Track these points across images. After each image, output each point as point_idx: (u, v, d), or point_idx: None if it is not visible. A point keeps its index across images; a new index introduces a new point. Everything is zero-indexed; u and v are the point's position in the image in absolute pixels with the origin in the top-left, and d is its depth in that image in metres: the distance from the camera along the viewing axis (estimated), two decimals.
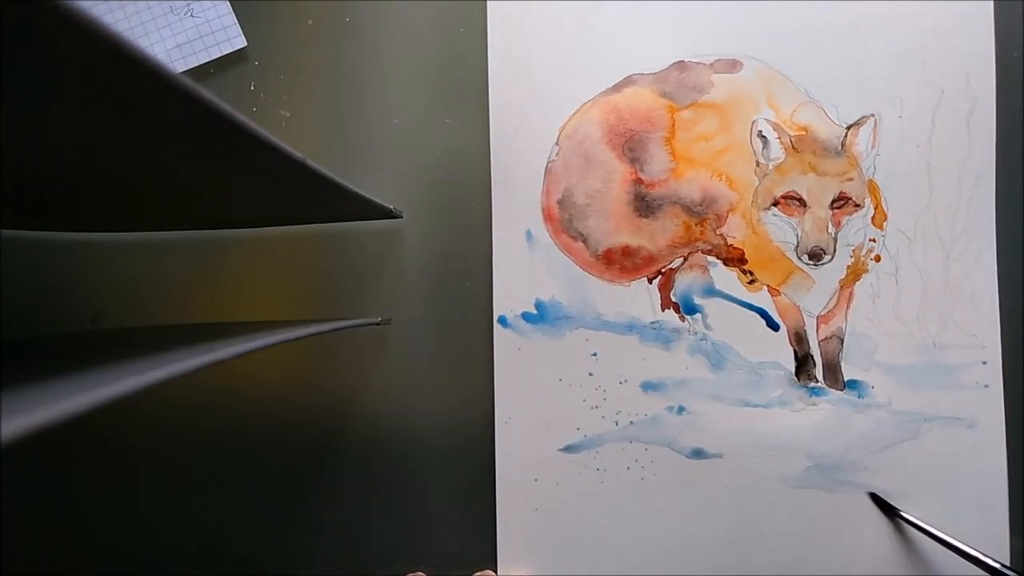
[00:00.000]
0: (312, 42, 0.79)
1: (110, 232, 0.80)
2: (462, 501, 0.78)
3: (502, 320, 0.77)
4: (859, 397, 0.75)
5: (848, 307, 0.75)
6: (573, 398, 0.77)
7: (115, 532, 0.80)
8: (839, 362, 0.75)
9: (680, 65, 0.76)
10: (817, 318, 0.76)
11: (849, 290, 0.75)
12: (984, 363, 0.74)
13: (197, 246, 0.80)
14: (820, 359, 0.75)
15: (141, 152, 0.45)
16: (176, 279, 0.80)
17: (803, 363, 0.76)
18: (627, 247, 0.76)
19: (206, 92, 0.34)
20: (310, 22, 0.79)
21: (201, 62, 0.78)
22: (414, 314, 0.79)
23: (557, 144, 0.77)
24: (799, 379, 0.75)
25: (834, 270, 0.75)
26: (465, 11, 0.79)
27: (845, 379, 0.75)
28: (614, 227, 0.76)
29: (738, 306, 0.76)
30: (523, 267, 0.77)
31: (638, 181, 0.76)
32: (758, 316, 0.76)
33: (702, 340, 0.76)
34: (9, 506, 0.80)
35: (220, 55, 0.78)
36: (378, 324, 0.75)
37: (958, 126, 0.74)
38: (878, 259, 0.75)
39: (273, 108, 0.79)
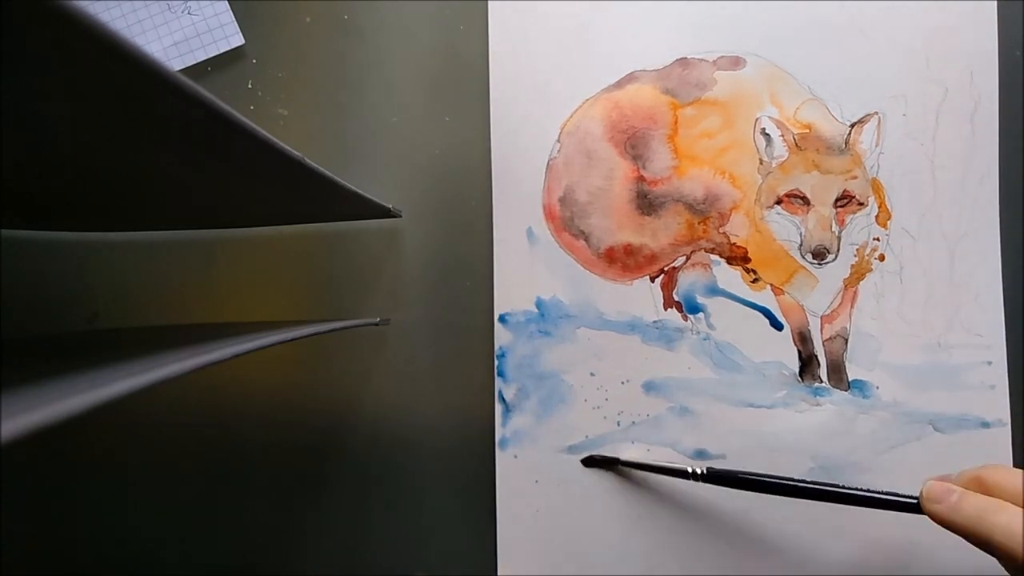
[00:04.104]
0: (310, 40, 0.79)
1: (107, 232, 0.80)
2: (462, 502, 0.78)
3: (503, 319, 0.77)
4: (864, 398, 0.74)
5: (852, 307, 0.75)
6: (574, 398, 0.76)
7: (112, 533, 0.80)
8: (843, 362, 0.75)
9: (682, 62, 0.76)
10: (821, 318, 0.75)
11: (853, 289, 0.75)
12: (989, 363, 0.74)
13: (195, 246, 0.80)
14: (824, 359, 0.75)
15: (138, 151, 0.45)
16: (173, 279, 0.80)
17: (807, 363, 0.75)
18: (629, 245, 0.76)
19: (203, 90, 0.34)
20: (308, 20, 0.79)
21: (198, 60, 0.77)
22: (414, 314, 0.79)
23: (558, 141, 0.76)
24: (803, 379, 0.75)
25: (838, 269, 0.75)
26: (465, 8, 0.78)
27: (849, 379, 0.75)
28: (616, 225, 0.76)
29: (741, 305, 0.76)
30: (524, 265, 0.77)
31: (640, 179, 0.76)
32: (761, 315, 0.75)
33: (705, 340, 0.76)
34: (8, 506, 0.79)
35: (217, 53, 0.77)
36: (376, 324, 0.74)
37: (962, 124, 0.74)
38: (882, 258, 0.75)
39: (271, 106, 0.79)
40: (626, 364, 0.76)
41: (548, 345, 0.77)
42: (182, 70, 0.76)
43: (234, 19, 0.77)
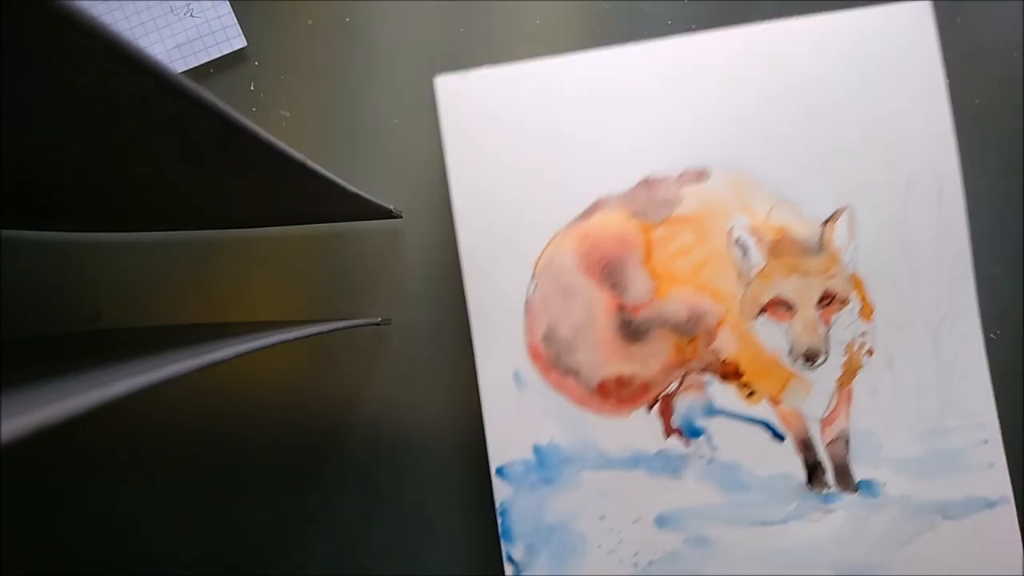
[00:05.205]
0: (312, 42, 0.81)
1: (109, 232, 0.81)
2: (462, 503, 0.80)
3: (500, 472, 0.75)
4: (873, 497, 0.74)
5: (849, 406, 0.75)
6: (587, 547, 0.75)
7: (112, 533, 0.81)
8: (848, 463, 0.74)
9: (647, 183, 0.75)
10: (820, 421, 0.75)
11: (847, 388, 0.75)
12: (985, 441, 0.74)
13: (196, 246, 0.81)
14: (829, 463, 0.74)
15: (140, 152, 0.45)
16: (175, 279, 0.82)
17: (813, 470, 0.74)
18: (620, 376, 0.75)
19: (206, 92, 0.35)
20: (310, 22, 0.80)
21: (201, 62, 0.79)
22: (414, 314, 0.80)
23: (533, 279, 0.76)
24: (812, 487, 0.74)
25: (830, 370, 0.75)
26: (465, 8, 0.81)
27: (856, 480, 0.74)
28: (604, 357, 0.75)
29: (741, 422, 0.75)
30: (515, 413, 0.75)
31: (621, 307, 0.76)
32: (762, 428, 0.75)
33: (709, 463, 0.75)
34: (8, 506, 0.80)
35: (220, 55, 0.79)
36: (378, 324, 0.76)
37: (929, 207, 0.74)
38: (871, 352, 0.75)
39: (273, 108, 0.81)
40: (635, 501, 0.74)
41: (552, 493, 0.75)
42: (184, 72, 0.78)
43: (236, 21, 0.79)
